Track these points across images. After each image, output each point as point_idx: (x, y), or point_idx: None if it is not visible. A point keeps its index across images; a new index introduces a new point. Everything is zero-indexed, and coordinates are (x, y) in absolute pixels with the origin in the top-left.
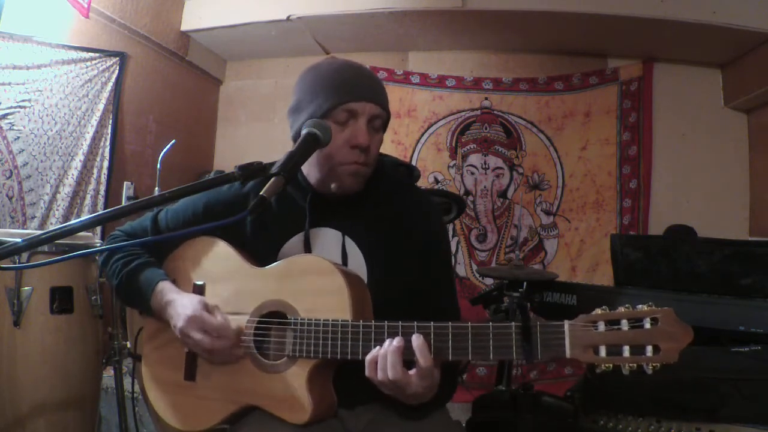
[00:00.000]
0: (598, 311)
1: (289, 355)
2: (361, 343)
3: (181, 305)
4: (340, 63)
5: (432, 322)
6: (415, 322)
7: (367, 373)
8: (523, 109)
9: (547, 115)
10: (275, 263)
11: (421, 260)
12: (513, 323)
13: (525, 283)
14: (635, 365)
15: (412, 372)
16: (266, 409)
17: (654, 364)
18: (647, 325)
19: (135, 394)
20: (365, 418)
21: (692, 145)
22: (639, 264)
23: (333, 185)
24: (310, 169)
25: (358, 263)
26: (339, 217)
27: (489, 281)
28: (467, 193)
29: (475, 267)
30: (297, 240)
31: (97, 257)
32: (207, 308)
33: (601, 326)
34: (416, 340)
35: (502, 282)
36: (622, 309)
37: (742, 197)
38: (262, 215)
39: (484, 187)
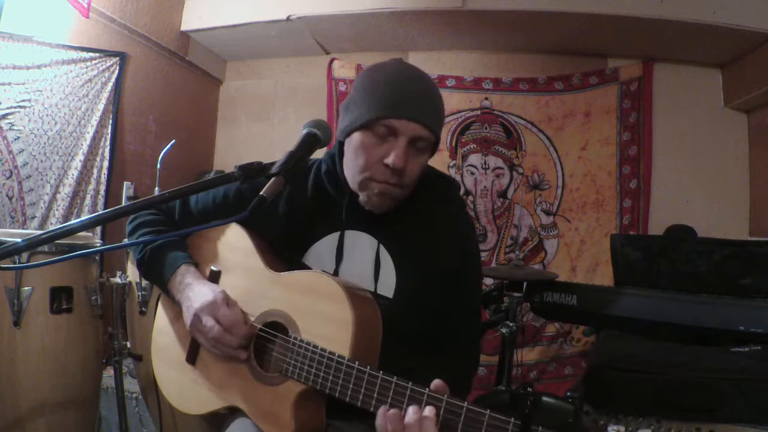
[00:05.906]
0: None
1: (282, 372)
2: (351, 385)
3: (201, 291)
4: (399, 72)
5: (427, 389)
6: (410, 384)
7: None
8: (523, 109)
9: (547, 115)
10: (291, 272)
11: (451, 282)
12: (512, 419)
13: (525, 283)
14: None
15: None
16: (251, 417)
17: None
18: None
19: (135, 394)
20: (360, 429)
21: (692, 145)
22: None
23: (361, 197)
24: (348, 172)
25: (388, 273)
26: (376, 223)
27: (489, 281)
28: (467, 193)
29: None
30: (331, 239)
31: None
32: (227, 300)
33: None
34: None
35: (502, 282)
36: None
37: (742, 197)
38: (297, 209)
39: (484, 187)
